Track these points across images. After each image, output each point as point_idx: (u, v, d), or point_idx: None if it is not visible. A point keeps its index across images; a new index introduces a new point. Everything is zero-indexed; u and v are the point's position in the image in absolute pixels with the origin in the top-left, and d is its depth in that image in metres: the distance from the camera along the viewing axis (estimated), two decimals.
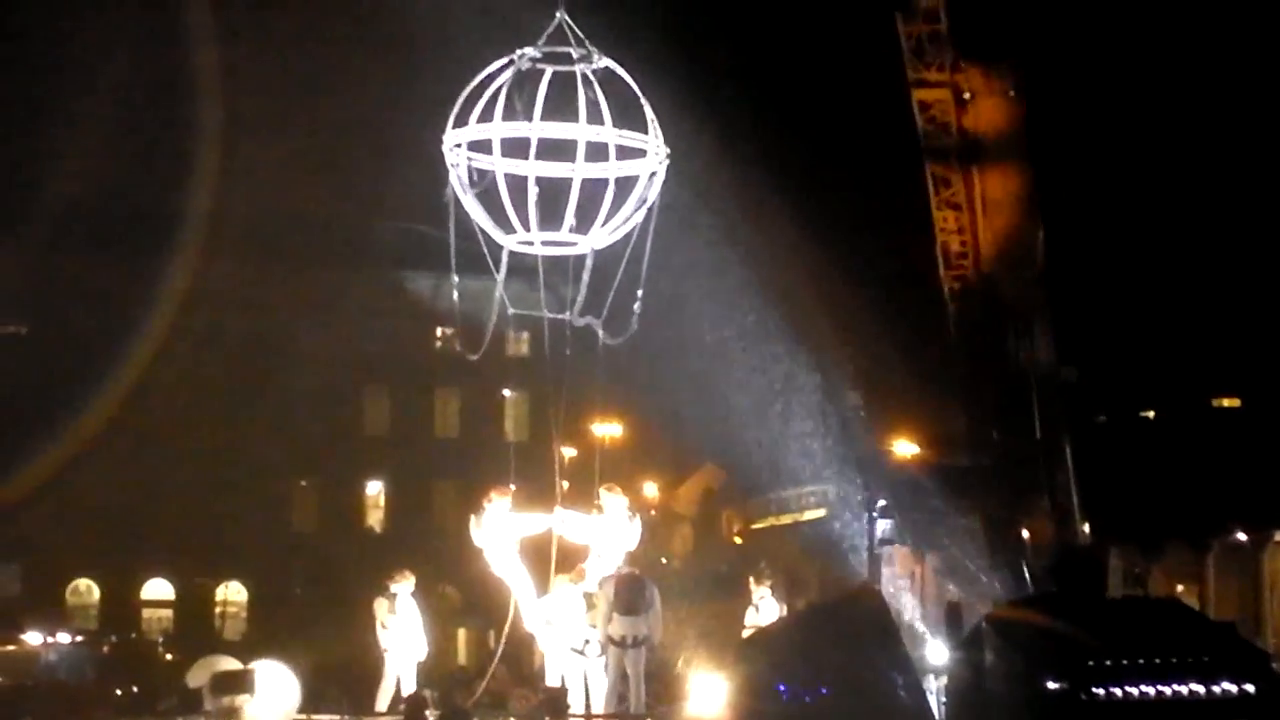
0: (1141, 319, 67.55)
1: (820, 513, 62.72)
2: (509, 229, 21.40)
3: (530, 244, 21.48)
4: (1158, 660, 19.87)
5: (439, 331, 70.46)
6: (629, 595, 23.05)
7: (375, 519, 74.63)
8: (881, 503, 57.30)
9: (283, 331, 68.70)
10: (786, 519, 66.27)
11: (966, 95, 46.83)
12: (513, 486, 23.51)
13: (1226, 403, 68.92)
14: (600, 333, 22.21)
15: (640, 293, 21.97)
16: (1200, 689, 19.70)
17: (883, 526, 56.60)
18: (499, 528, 22.91)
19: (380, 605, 23.79)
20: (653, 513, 71.72)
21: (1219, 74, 69.01)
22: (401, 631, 23.62)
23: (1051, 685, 19.72)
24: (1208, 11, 66.32)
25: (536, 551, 23.39)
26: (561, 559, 23.42)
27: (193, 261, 65.67)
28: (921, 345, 54.62)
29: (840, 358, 58.16)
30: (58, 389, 64.72)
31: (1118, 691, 19.58)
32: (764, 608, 24.86)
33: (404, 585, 23.90)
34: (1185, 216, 68.98)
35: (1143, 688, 19.57)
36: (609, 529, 23.04)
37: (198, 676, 24.12)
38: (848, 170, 66.94)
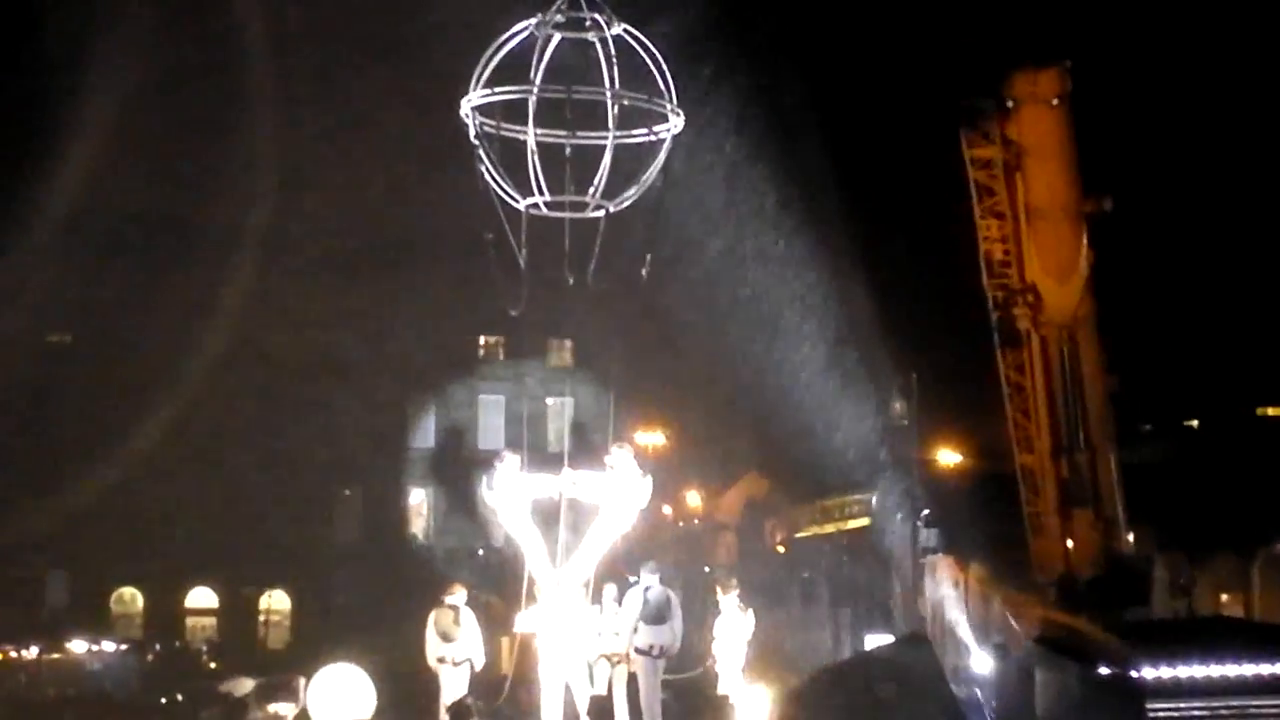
0: (1187, 328, 67.31)
1: (864, 522, 62.57)
2: (527, 193, 21.46)
3: (536, 206, 21.52)
4: (1215, 678, 19.76)
5: (482, 341, 70.56)
6: (656, 605, 23.11)
7: (419, 528, 74.76)
8: (926, 511, 57.14)
9: (328, 344, 68.92)
10: (830, 528, 66.06)
11: (1010, 103, 46.50)
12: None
13: (1271, 412, 68.58)
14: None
15: (649, 256, 21.85)
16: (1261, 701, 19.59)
17: (927, 535, 56.44)
18: (510, 488, 22.87)
19: (444, 617, 23.84)
20: (696, 521, 71.74)
21: (1262, 85, 68.74)
22: (465, 642, 23.76)
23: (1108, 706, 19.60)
24: (1263, 21, 65.95)
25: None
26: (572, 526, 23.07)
27: (238, 274, 65.95)
28: (967, 354, 54.40)
29: (886, 367, 58.05)
30: (103, 400, 65.15)
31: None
32: (731, 617, 24.65)
33: (459, 597, 24.01)
34: (1231, 226, 68.71)
35: (1204, 702, 19.48)
36: (620, 486, 22.89)
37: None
38: (894, 178, 66.88)
